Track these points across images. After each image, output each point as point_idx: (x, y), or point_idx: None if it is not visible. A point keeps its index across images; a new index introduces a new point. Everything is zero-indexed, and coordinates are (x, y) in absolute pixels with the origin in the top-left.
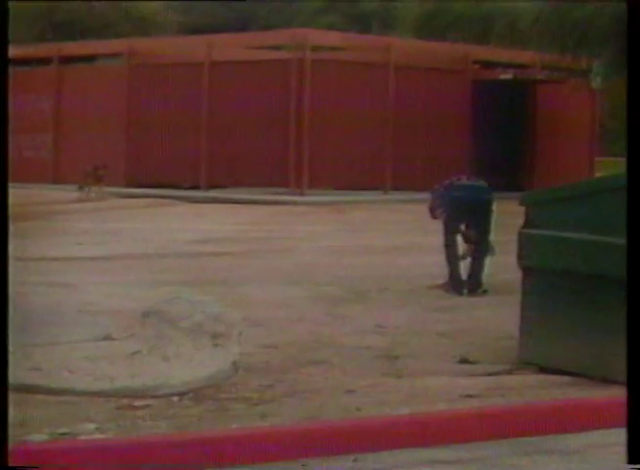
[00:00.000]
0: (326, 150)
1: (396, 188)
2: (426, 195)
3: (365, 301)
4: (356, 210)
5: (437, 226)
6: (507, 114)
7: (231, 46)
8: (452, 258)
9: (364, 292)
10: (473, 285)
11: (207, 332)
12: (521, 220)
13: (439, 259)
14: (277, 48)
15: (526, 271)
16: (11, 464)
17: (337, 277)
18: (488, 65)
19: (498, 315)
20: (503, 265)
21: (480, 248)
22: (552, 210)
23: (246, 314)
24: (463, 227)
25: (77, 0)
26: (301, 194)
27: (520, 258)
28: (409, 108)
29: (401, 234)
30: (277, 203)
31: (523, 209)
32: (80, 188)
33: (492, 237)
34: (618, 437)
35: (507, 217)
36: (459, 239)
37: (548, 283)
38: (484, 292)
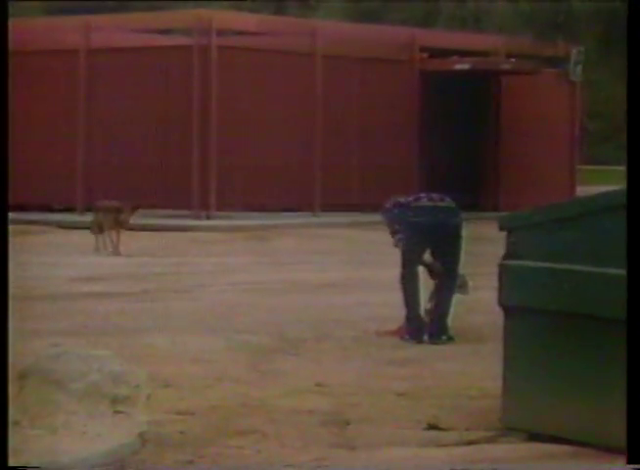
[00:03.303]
0: (238, 161)
1: (328, 208)
2: (364, 216)
3: (300, 352)
4: (279, 236)
5: (383, 256)
6: (464, 113)
7: (114, 29)
8: (411, 297)
9: (298, 341)
10: (436, 330)
11: (106, 396)
12: (491, 248)
13: (389, 298)
14: (171, 32)
15: (510, 312)
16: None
17: (261, 323)
18: (440, 53)
19: (470, 369)
20: (471, 305)
21: (447, 283)
22: (541, 235)
23: (151, 372)
24: (427, 257)
25: None
26: (208, 217)
27: (501, 295)
28: (342, 107)
29: (338, 266)
30: (177, 229)
31: (497, 234)
32: (95, 232)
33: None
34: None
35: (471, 244)
36: (420, 273)
37: (538, 327)
38: (450, 339)
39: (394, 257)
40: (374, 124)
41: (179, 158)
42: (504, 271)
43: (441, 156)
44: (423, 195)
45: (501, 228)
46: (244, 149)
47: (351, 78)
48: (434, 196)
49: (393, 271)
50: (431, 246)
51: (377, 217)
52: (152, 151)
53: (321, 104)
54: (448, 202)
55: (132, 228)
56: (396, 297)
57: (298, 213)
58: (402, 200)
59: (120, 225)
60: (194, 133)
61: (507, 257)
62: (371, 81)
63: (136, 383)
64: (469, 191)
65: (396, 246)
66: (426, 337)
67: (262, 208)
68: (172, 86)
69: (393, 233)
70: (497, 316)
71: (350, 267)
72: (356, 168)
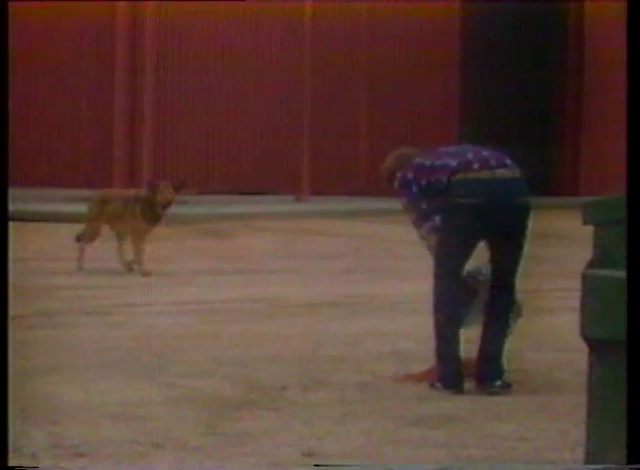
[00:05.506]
0: (188, 127)
1: (319, 191)
2: (374, 203)
3: (279, 406)
4: (248, 231)
5: (403, 262)
6: (529, 52)
7: None
8: (446, 323)
9: (276, 389)
10: (485, 374)
11: None
12: (570, 250)
13: (414, 325)
14: None
15: (598, 348)
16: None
17: (222, 362)
18: None
19: (537, 432)
20: (538, 335)
21: (502, 303)
22: None
23: (54, 435)
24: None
25: None
26: None
27: (585, 322)
28: (343, 43)
29: (337, 277)
30: None
31: (579, 229)
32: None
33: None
34: None
35: (537, 245)
36: (461, 282)
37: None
38: (507, 387)
39: (421, 262)
40: (391, 68)
41: (99, 119)
42: (590, 286)
43: (494, 115)
44: (469, 153)
45: (585, 221)
46: (198, 110)
47: (357, 11)
48: (489, 157)
49: (419, 285)
50: (482, 242)
51: (393, 204)
52: (59, 107)
53: (311, 39)
54: (512, 168)
55: (24, 218)
56: (424, 323)
57: (276, 198)
58: (428, 161)
59: (159, 219)
60: (117, 84)
61: (594, 264)
62: (386, 13)
63: (32, 451)
64: (535, 167)
65: (424, 239)
66: (468, 384)
67: (222, 190)
68: (92, 21)
69: (419, 220)
70: (578, 353)
71: (355, 279)
72: (364, 134)
